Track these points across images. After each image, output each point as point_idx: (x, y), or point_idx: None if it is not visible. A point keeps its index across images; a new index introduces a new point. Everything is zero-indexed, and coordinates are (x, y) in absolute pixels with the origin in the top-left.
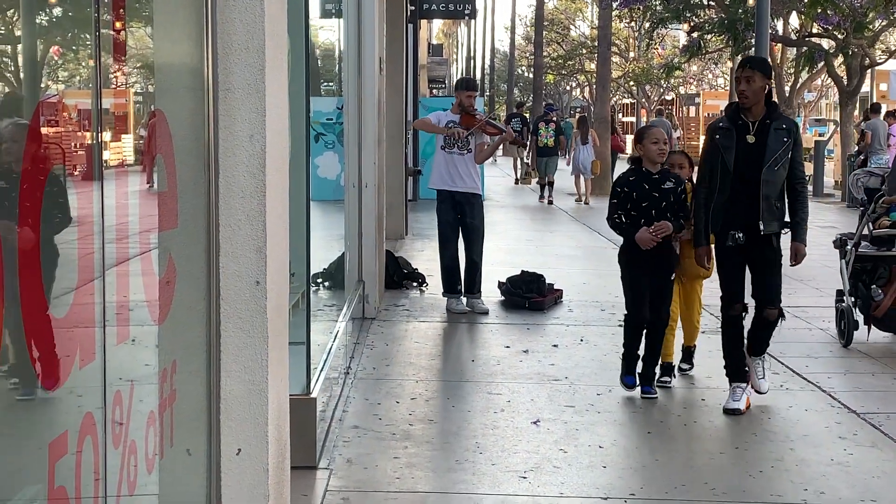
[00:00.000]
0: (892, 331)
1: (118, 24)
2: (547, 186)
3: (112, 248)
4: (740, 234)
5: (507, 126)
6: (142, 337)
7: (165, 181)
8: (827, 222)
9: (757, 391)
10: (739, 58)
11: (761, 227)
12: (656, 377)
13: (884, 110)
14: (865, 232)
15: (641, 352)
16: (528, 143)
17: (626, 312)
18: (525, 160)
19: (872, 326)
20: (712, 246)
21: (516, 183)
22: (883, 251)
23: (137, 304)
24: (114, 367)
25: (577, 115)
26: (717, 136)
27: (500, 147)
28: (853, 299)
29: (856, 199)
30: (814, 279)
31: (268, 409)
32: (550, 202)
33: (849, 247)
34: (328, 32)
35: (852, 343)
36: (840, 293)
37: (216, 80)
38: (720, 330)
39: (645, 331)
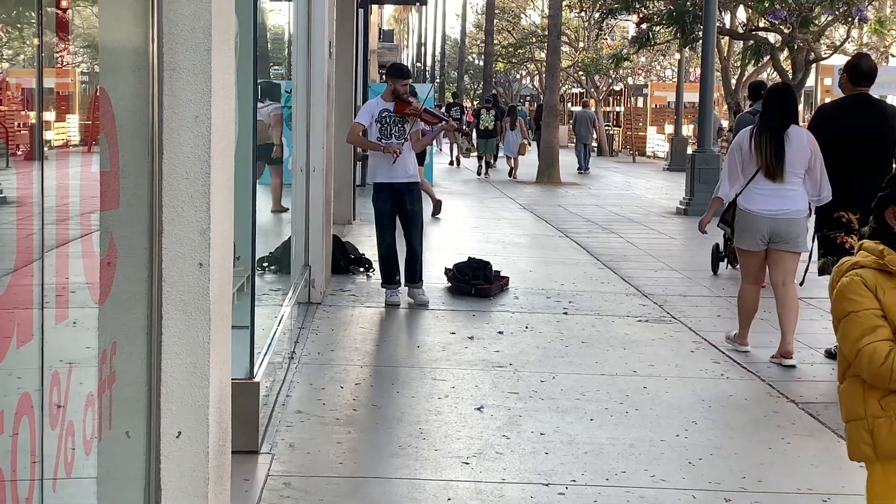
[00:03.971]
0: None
1: (63, 3)
2: (486, 164)
3: (53, 228)
4: None
5: (448, 114)
6: (82, 318)
7: (108, 161)
8: None
9: None
10: (687, 50)
11: None
12: None
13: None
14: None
15: None
16: (470, 129)
17: None
18: (463, 142)
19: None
20: None
21: (451, 164)
22: None
23: (78, 285)
24: (52, 348)
25: (509, 106)
26: None
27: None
28: (724, 239)
29: None
30: None
31: (209, 392)
32: (488, 174)
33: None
34: (278, 15)
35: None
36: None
37: (161, 60)
38: None
39: None
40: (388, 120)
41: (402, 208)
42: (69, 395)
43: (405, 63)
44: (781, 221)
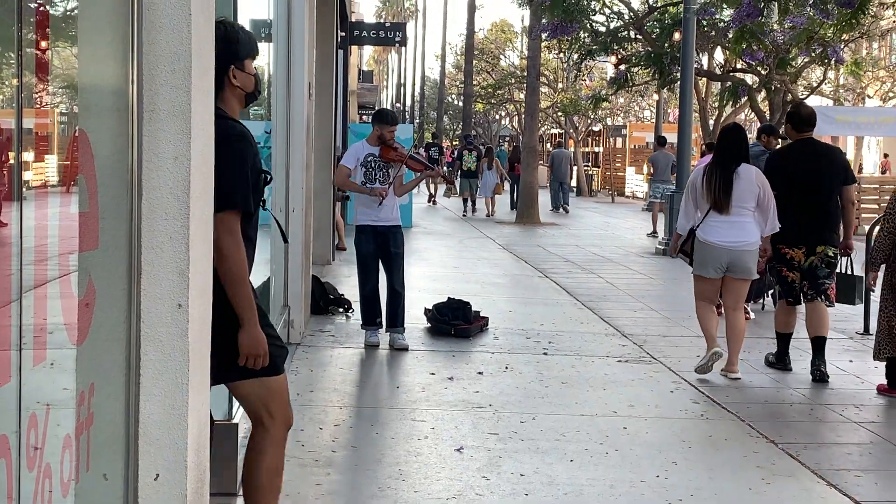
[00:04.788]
0: None
1: (43, 43)
2: (469, 201)
3: (31, 269)
4: None
5: (425, 155)
6: (60, 359)
7: (87, 201)
8: None
9: None
10: (665, 91)
11: None
12: None
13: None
14: None
15: None
16: (452, 172)
17: None
18: (446, 187)
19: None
20: None
21: (429, 202)
22: None
23: (56, 326)
24: (30, 390)
25: (486, 147)
26: None
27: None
28: None
29: None
30: None
31: (187, 433)
32: (475, 211)
33: None
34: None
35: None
36: None
37: (141, 101)
38: None
39: None
40: (373, 164)
41: (385, 251)
42: (46, 437)
43: (384, 104)
44: (735, 252)
